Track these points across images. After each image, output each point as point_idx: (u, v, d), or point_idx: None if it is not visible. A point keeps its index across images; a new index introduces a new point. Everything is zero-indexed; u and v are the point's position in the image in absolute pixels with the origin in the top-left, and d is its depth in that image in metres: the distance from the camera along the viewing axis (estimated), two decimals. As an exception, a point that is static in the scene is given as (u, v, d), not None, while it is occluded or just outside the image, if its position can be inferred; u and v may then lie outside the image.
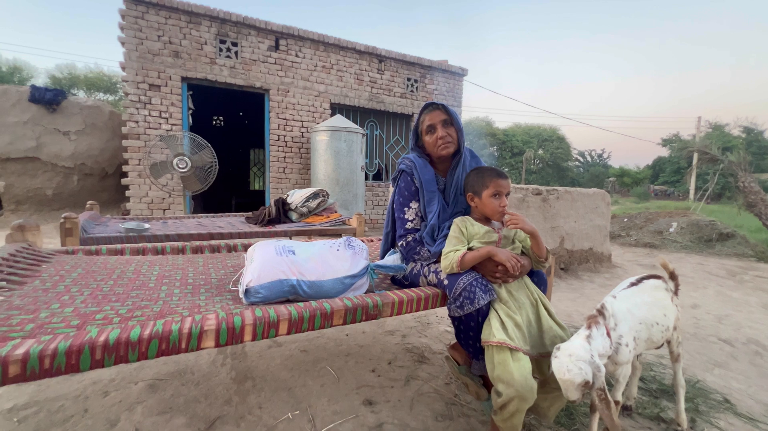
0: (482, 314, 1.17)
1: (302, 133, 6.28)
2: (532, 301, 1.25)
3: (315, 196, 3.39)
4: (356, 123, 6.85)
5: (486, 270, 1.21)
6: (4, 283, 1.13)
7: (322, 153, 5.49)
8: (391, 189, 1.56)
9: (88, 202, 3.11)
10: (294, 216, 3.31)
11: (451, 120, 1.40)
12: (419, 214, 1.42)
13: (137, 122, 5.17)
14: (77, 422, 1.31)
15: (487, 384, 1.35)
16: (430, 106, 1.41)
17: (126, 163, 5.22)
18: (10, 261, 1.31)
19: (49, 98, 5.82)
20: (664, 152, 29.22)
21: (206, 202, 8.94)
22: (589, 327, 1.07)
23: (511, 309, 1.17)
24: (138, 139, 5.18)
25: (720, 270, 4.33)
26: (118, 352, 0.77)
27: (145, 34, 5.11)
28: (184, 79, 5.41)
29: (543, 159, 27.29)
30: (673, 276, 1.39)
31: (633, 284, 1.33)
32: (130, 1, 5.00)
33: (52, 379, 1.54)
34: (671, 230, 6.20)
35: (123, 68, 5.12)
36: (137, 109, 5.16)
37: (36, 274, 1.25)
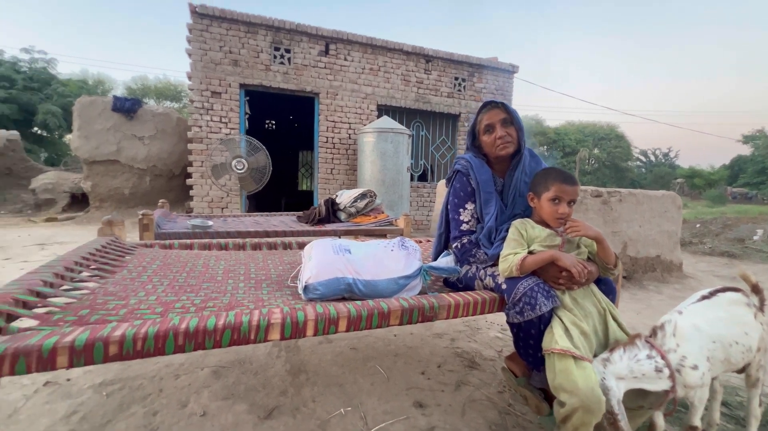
0: (544, 321, 1.12)
1: (349, 134, 6.41)
2: (600, 310, 1.16)
3: (363, 196, 3.44)
4: (402, 124, 6.87)
5: (548, 275, 1.15)
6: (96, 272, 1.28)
7: (368, 154, 5.57)
8: (445, 189, 1.54)
9: (160, 201, 3.42)
10: (342, 216, 3.39)
11: (511, 119, 1.35)
12: (475, 216, 1.39)
13: (200, 127, 5.59)
14: (154, 400, 1.44)
15: (548, 397, 1.28)
16: (489, 105, 1.37)
17: (190, 164, 5.67)
18: (101, 252, 1.47)
19: (128, 107, 6.49)
20: (745, 150, 25.97)
21: (259, 202, 9.44)
22: (612, 350, 1.02)
23: (576, 317, 1.10)
24: (201, 143, 5.61)
25: (820, 285, 3.76)
26: (197, 339, 0.83)
27: (209, 45, 5.52)
28: (242, 85, 5.76)
29: (599, 158, 25.53)
30: (756, 290, 1.23)
31: (705, 297, 1.19)
32: (197, 15, 5.42)
33: (133, 360, 1.71)
34: (756, 238, 5.50)
35: (189, 77, 5.57)
36: (201, 114, 5.58)
37: (123, 265, 1.40)
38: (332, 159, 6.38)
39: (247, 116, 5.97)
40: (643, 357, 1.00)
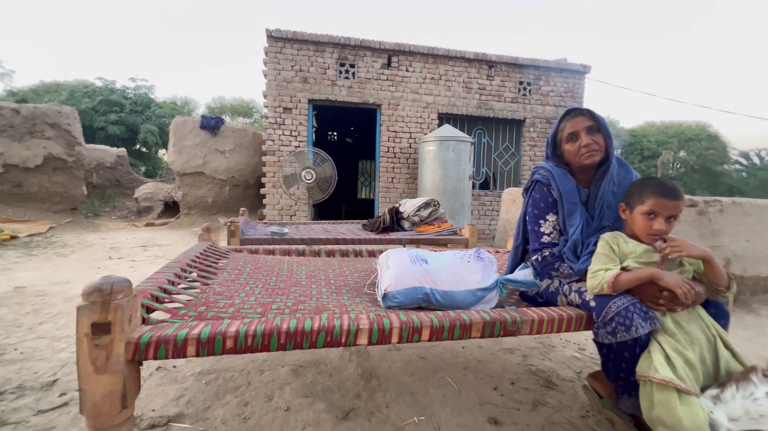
0: (640, 344, 1.03)
1: (410, 144, 6.49)
2: (709, 337, 1.04)
3: (426, 205, 3.46)
4: (463, 131, 6.78)
5: (645, 295, 1.06)
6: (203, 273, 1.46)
7: (429, 163, 5.58)
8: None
9: (241, 209, 3.77)
10: (406, 224, 3.43)
11: (597, 126, 1.28)
12: (557, 228, 1.33)
13: (273, 141, 6.06)
14: (244, 392, 1.58)
15: (639, 424, 1.17)
16: (573, 112, 1.32)
17: (264, 175, 6.16)
18: (203, 256, 1.67)
19: (213, 125, 7.27)
20: None
21: (321, 209, 9.91)
22: (723, 385, 0.91)
23: (680, 343, 1.00)
24: (273, 155, 6.07)
25: None
26: (296, 339, 0.91)
27: (282, 65, 5.99)
28: (310, 101, 6.15)
29: (686, 162, 22.65)
30: None
31: None
32: (272, 39, 5.93)
33: (242, 354, 1.90)
34: None
35: (264, 96, 6.09)
36: (273, 129, 6.06)
37: (222, 268, 1.57)
38: (393, 168, 6.50)
39: (314, 129, 6.34)
40: (761, 395, 0.88)
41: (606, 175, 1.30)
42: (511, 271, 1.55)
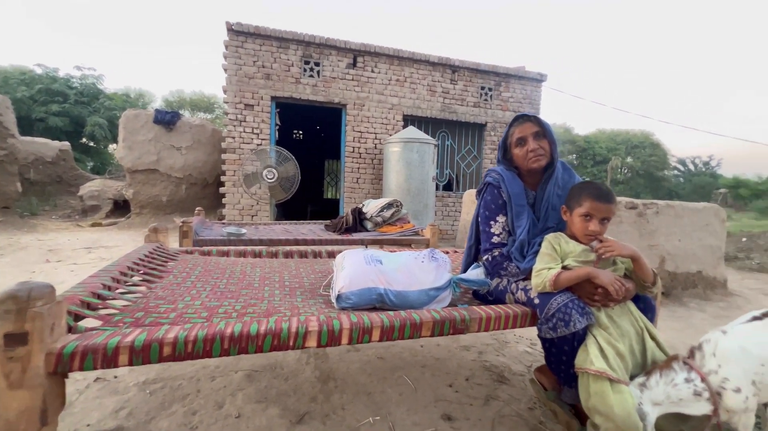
0: (578, 338, 1.10)
1: (375, 144, 6.51)
2: (638, 329, 1.13)
3: (389, 206, 3.48)
4: (428, 133, 6.89)
5: (583, 291, 1.13)
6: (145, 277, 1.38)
7: (394, 164, 5.63)
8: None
9: (197, 209, 3.60)
10: (369, 225, 3.43)
11: (543, 132, 1.35)
12: (506, 229, 1.39)
13: (234, 138, 5.85)
14: (193, 400, 1.51)
15: (579, 413, 1.25)
16: (521, 118, 1.38)
17: (223, 173, 5.92)
18: (149, 258, 1.57)
19: (168, 119, 6.89)
20: (798, 159, 24.12)
21: (286, 209, 9.68)
22: (649, 373, 0.99)
23: (612, 336, 1.08)
24: (234, 153, 5.86)
25: None
26: (241, 343, 0.88)
27: (243, 60, 5.80)
28: (273, 98, 5.99)
29: (632, 167, 24.48)
30: None
31: (756, 318, 1.13)
32: (233, 32, 5.72)
33: (183, 361, 1.80)
34: (811, 254, 5.09)
35: (224, 91, 5.86)
36: (234, 126, 5.84)
37: (168, 270, 1.49)
38: (358, 168, 6.48)
39: (277, 127, 6.19)
40: (680, 381, 0.97)
41: (551, 178, 1.38)
42: (465, 271, 1.59)
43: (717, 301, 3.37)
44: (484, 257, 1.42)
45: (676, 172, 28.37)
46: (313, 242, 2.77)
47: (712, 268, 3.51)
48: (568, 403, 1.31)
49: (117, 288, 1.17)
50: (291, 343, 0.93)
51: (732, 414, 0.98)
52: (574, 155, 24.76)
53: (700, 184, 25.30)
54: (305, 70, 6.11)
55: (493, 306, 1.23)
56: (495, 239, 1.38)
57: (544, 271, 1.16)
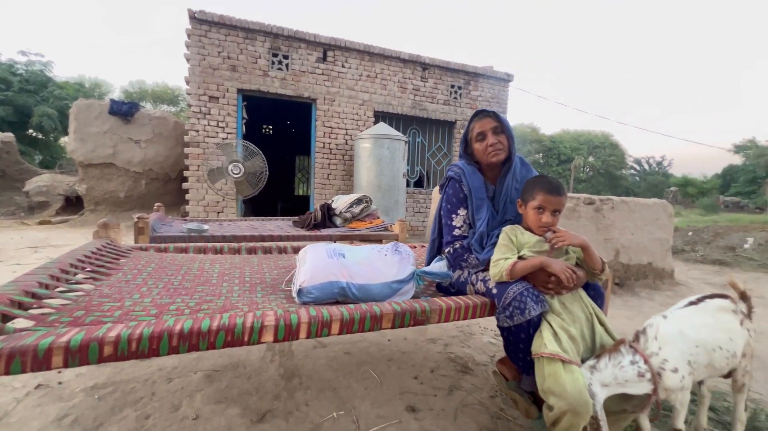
0: (533, 325, 1.14)
1: (346, 140, 6.45)
2: (587, 315, 1.19)
3: (358, 201, 3.47)
4: (399, 130, 6.92)
5: (538, 280, 1.18)
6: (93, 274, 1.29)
7: (365, 160, 5.61)
8: (438, 196, 1.57)
9: (156, 204, 3.42)
10: (338, 221, 3.40)
11: (502, 127, 1.38)
12: (467, 221, 1.41)
13: (197, 131, 5.61)
14: (146, 403, 1.44)
15: (537, 401, 1.30)
16: (481, 114, 1.41)
17: (187, 168, 5.67)
18: (97, 254, 1.48)
19: (125, 110, 6.49)
20: (738, 159, 26.34)
21: (255, 206, 9.43)
22: (599, 356, 1.04)
23: (565, 321, 1.12)
24: (198, 147, 5.62)
25: (808, 293, 3.81)
26: (191, 341, 0.84)
27: (207, 50, 5.56)
28: (239, 90, 5.79)
29: (593, 166, 25.79)
30: (744, 297, 1.25)
31: (692, 303, 1.22)
32: (196, 20, 5.46)
33: (126, 363, 1.70)
34: (746, 246, 5.58)
35: (187, 82, 5.59)
36: (198, 119, 5.60)
37: (118, 267, 1.40)
38: (329, 164, 6.41)
39: (244, 121, 5.99)
40: (626, 364, 1.02)
41: (509, 172, 1.42)
42: (429, 264, 1.61)
43: (665, 290, 3.61)
44: (446, 249, 1.44)
45: (632, 171, 30.18)
46: (280, 238, 2.71)
47: (661, 260, 3.76)
48: (527, 391, 1.35)
49: (56, 287, 1.08)
50: (246, 339, 0.90)
51: (670, 392, 1.05)
52: (541, 154, 25.74)
53: (654, 183, 27.08)
54: (273, 63, 5.95)
55: (453, 297, 1.25)
56: (456, 232, 1.41)
57: (501, 261, 1.19)
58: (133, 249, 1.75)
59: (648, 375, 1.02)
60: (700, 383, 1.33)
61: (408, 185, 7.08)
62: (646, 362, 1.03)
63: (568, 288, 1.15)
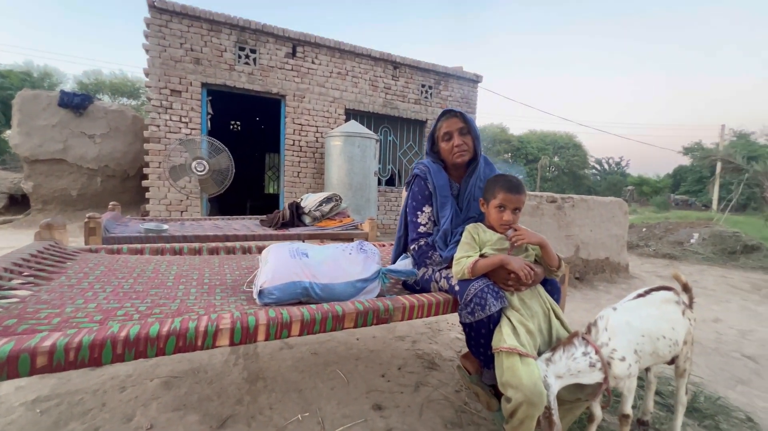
0: (493, 321, 1.17)
1: (317, 138, 6.36)
2: (545, 310, 1.23)
3: (328, 200, 3.43)
4: (370, 128, 6.90)
5: (498, 277, 1.21)
6: (31, 278, 1.19)
7: (336, 158, 5.55)
8: (405, 193, 1.58)
9: (111, 203, 3.22)
10: (307, 220, 3.35)
11: (468, 128, 1.41)
12: (432, 219, 1.43)
13: (158, 126, 5.33)
14: (95, 415, 1.35)
15: (498, 394, 1.33)
16: (448, 113, 1.42)
17: (147, 165, 5.38)
18: (38, 257, 1.37)
19: (77, 103, 6.07)
20: (686, 161, 28.39)
21: (222, 205, 9.11)
22: (555, 349, 1.09)
23: (523, 317, 1.16)
24: (159, 143, 5.34)
25: (744, 283, 4.17)
26: (138, 347, 0.79)
27: (168, 41, 5.29)
28: (204, 84, 5.57)
29: (558, 166, 26.91)
30: (686, 289, 1.35)
31: (640, 296, 1.30)
32: (155, 9, 5.19)
33: (73, 373, 1.59)
34: (692, 241, 6.02)
35: (146, 74, 5.31)
36: (159, 113, 5.33)
37: (62, 271, 1.31)
38: (299, 162, 6.29)
39: (209, 116, 5.76)
40: (579, 355, 1.07)
41: (474, 172, 1.44)
42: (395, 261, 1.62)
43: (620, 283, 3.83)
44: (412, 246, 1.45)
45: (594, 170, 31.78)
46: (245, 238, 2.63)
47: (617, 255, 3.98)
48: (488, 384, 1.39)
49: (-14, 294, 0.99)
50: (199, 343, 0.86)
51: (619, 380, 1.11)
52: (509, 154, 26.55)
53: (613, 182, 28.65)
54: (240, 57, 5.75)
55: (417, 295, 1.26)
56: (421, 229, 1.42)
57: (463, 259, 1.21)
58: (81, 252, 1.63)
59: (599, 365, 1.07)
60: (647, 370, 1.42)
61: (380, 183, 7.09)
62: (597, 352, 1.08)
63: (527, 284, 1.19)
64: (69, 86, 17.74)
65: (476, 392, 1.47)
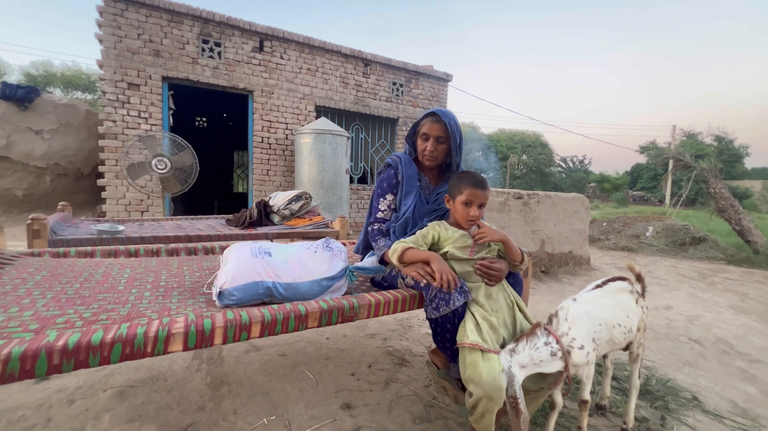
0: (458, 316, 1.18)
1: (286, 135, 6.22)
2: (509, 303, 1.26)
3: (297, 198, 3.36)
4: (342, 126, 6.84)
5: (416, 268, 1.23)
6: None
7: (306, 155, 5.46)
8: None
9: (60, 203, 3.00)
10: (276, 218, 3.27)
11: (446, 138, 1.41)
12: (392, 207, 1.46)
13: (115, 122, 5.03)
14: (39, 432, 1.25)
15: (465, 387, 1.35)
16: (435, 117, 1.41)
17: (102, 163, 5.06)
18: (-32, 263, 1.24)
19: (21, 95, 5.60)
20: (642, 159, 30.22)
21: (188, 205, 8.74)
22: (518, 340, 1.12)
23: (487, 312, 1.18)
24: (115, 139, 5.04)
25: (692, 272, 4.49)
26: (78, 357, 0.74)
27: (125, 31, 4.99)
28: (164, 78, 5.30)
29: (527, 164, 27.83)
30: (639, 279, 1.42)
31: (598, 286, 1.36)
32: (109, -3, 4.87)
33: (14, 387, 1.47)
34: (647, 234, 6.40)
35: (100, 66, 4.98)
36: (115, 108, 5.02)
37: (-4, 277, 1.19)
38: (268, 160, 6.13)
39: (171, 112, 5.49)
40: (541, 345, 1.10)
41: (449, 181, 1.47)
42: (359, 249, 1.62)
43: (583, 275, 4.01)
44: (368, 229, 1.47)
45: (559, 168, 33.13)
46: (209, 238, 2.53)
47: (579, 248, 4.17)
48: (456, 378, 1.40)
49: None
50: (149, 350, 0.81)
51: (578, 367, 1.15)
52: (480, 152, 27.19)
53: (577, 179, 30.00)
54: (204, 50, 5.52)
55: (383, 291, 1.25)
56: (379, 214, 1.46)
57: (402, 242, 1.25)
58: (21, 256, 1.50)
59: (559, 354, 1.11)
60: (604, 356, 1.49)
61: (351, 181, 7.04)
62: (558, 342, 1.11)
63: (497, 280, 1.22)
64: (15, 78, 16.37)
65: (444, 386, 1.48)
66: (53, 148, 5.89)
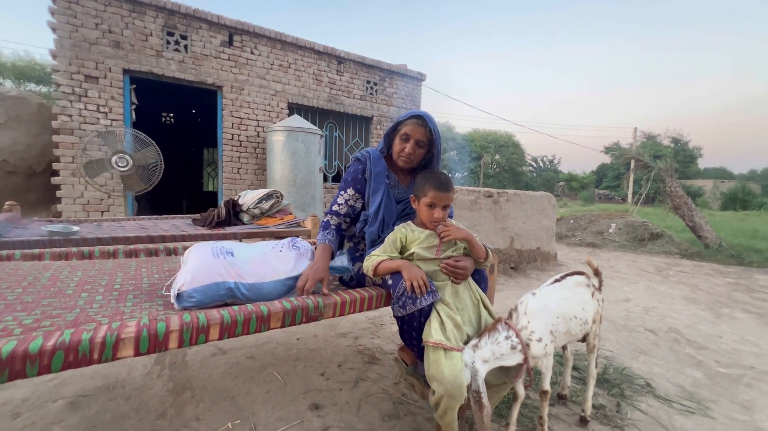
0: (424, 314, 1.19)
1: (258, 132, 6.08)
2: (474, 301, 1.28)
3: (268, 197, 3.29)
4: (315, 124, 6.75)
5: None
6: None
7: (278, 153, 5.35)
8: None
9: (7, 203, 2.79)
10: (245, 218, 3.19)
11: (426, 143, 1.41)
12: (350, 203, 1.46)
13: (71, 116, 4.73)
14: (-22, 449, 1.16)
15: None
16: (421, 120, 1.39)
17: (57, 160, 4.75)
18: None
19: (-36, 86, 5.16)
20: (607, 159, 31.71)
21: (154, 204, 8.38)
22: (481, 335, 1.15)
23: (452, 310, 1.19)
24: (71, 135, 4.74)
25: (650, 266, 4.76)
26: (13, 367, 0.69)
27: (81, 20, 4.70)
28: (126, 71, 5.04)
29: (500, 164, 28.55)
30: (596, 273, 1.49)
31: (557, 281, 1.41)
32: (63, -17, 4.57)
33: (-51, 403, 1.36)
34: (610, 231, 6.72)
35: (54, 56, 4.67)
36: (71, 101, 4.72)
37: (-75, 283, 1.09)
38: (239, 158, 5.97)
39: (133, 107, 5.23)
40: (501, 339, 1.13)
41: None
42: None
43: (550, 271, 4.16)
44: (324, 219, 1.47)
45: (530, 167, 34.23)
46: (173, 239, 2.43)
47: (547, 244, 4.32)
48: (423, 375, 1.42)
49: None
50: (96, 356, 0.77)
51: (537, 359, 1.19)
52: (455, 151, 27.63)
53: (547, 178, 31.10)
54: (169, 43, 5.29)
55: (349, 290, 1.24)
56: (335, 207, 1.45)
57: (374, 257, 1.25)
58: (-44, 260, 1.39)
59: (519, 347, 1.14)
60: (564, 348, 1.55)
61: (325, 180, 6.97)
62: (517, 335, 1.15)
63: (463, 278, 1.24)
64: (-44, 67, 15.04)
65: (412, 383, 1.50)
66: (1, 144, 5.47)
